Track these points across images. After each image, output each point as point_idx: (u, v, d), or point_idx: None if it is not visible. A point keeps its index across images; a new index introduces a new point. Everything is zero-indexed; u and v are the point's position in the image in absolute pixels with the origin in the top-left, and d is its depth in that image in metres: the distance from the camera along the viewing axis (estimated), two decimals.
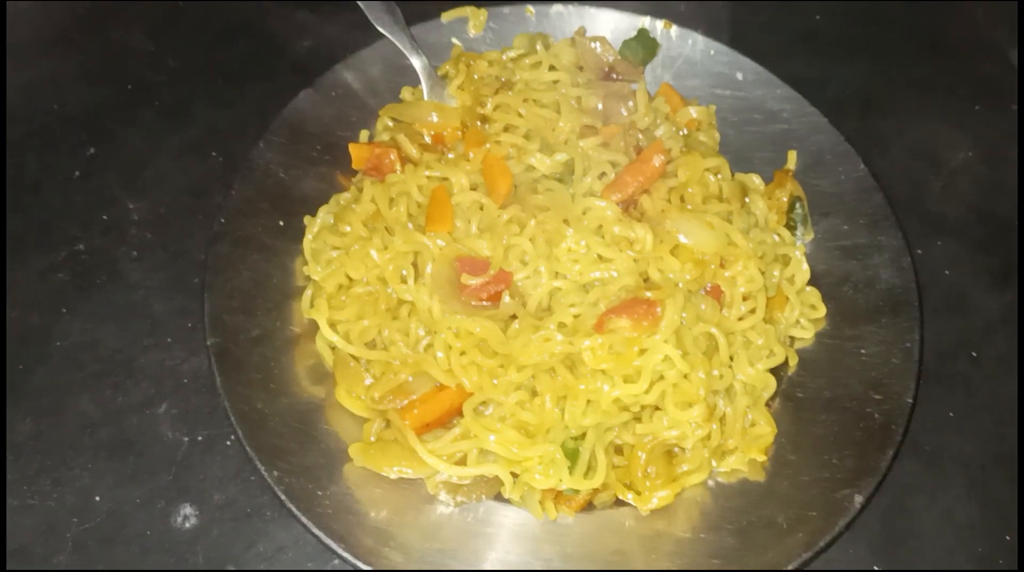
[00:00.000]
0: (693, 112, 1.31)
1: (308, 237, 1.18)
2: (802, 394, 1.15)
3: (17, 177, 1.30)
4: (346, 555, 0.97)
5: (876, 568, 1.09)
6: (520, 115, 1.21)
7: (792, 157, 1.30)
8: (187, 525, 1.06)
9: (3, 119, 1.34)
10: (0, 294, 1.19)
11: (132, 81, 1.40)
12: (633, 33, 1.36)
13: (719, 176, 1.20)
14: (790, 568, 0.99)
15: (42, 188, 1.28)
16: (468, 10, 1.37)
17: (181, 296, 1.20)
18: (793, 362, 1.17)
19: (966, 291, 1.31)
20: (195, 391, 1.14)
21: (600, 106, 1.24)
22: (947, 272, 1.33)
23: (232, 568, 1.04)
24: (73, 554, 1.04)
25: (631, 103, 1.25)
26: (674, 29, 1.38)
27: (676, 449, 1.09)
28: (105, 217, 1.26)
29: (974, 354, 1.25)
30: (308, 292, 1.15)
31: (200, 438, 1.12)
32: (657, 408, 1.07)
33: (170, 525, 1.06)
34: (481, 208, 1.14)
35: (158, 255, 1.24)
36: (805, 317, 1.19)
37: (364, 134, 1.29)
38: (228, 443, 1.11)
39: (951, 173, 1.43)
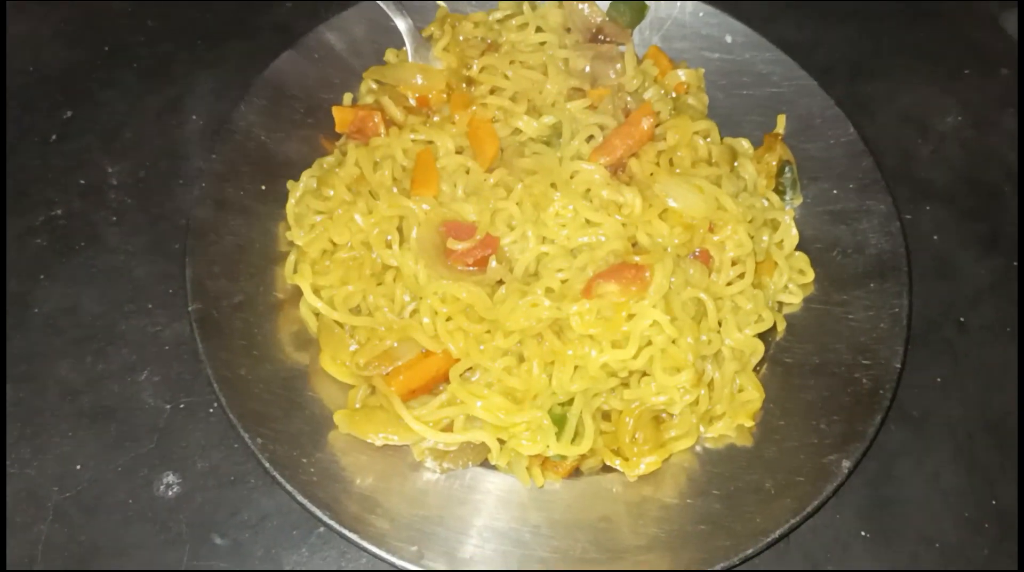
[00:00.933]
0: (682, 75, 1.29)
1: (291, 201, 1.16)
2: (790, 359, 1.15)
3: None
4: (331, 523, 0.96)
5: (864, 533, 1.10)
6: (507, 77, 1.20)
7: (781, 121, 1.30)
8: (170, 493, 1.06)
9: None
10: None
11: (109, 42, 1.38)
12: None
13: (708, 140, 1.19)
14: (778, 533, 0.99)
15: (18, 151, 1.26)
16: None
17: (162, 261, 1.19)
18: (781, 327, 1.17)
19: (954, 257, 1.32)
20: (177, 357, 1.13)
21: (588, 68, 1.23)
22: (935, 238, 1.33)
23: (216, 536, 1.04)
24: (55, 523, 1.03)
25: (619, 66, 1.23)
26: None
27: (664, 415, 1.09)
28: (83, 181, 1.24)
29: (961, 320, 1.26)
30: (291, 257, 1.14)
31: (182, 405, 1.11)
32: (645, 374, 1.07)
33: (153, 493, 1.06)
34: (467, 172, 1.13)
35: (138, 219, 1.22)
36: (794, 282, 1.19)
37: (348, 97, 1.28)
38: (211, 410, 1.10)
39: (940, 138, 1.43)
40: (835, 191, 1.25)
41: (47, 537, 1.02)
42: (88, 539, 1.02)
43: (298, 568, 1.03)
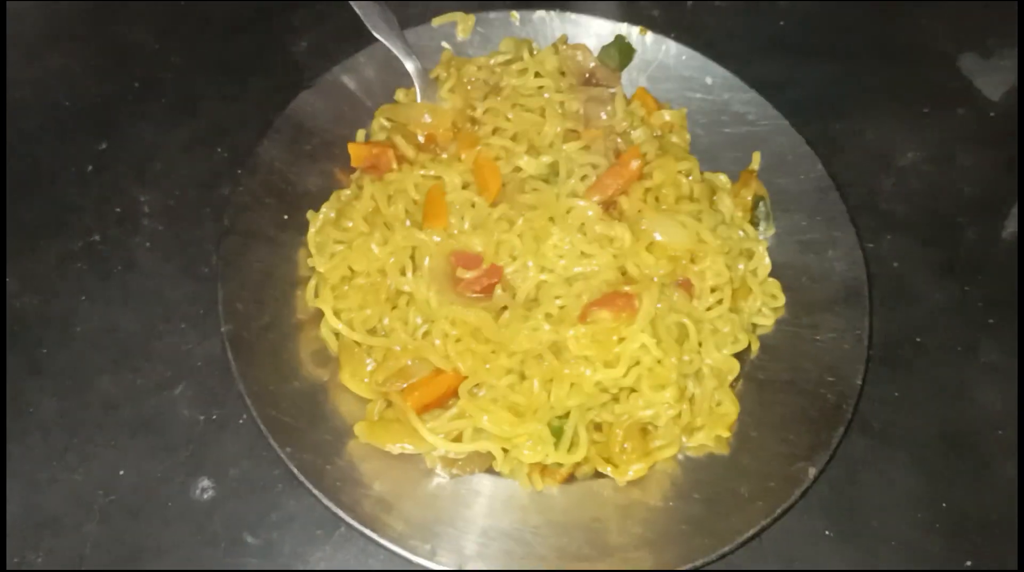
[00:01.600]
0: (666, 115, 1.40)
1: (312, 231, 1.26)
2: (763, 376, 1.25)
3: (32, 168, 1.36)
4: (353, 522, 1.05)
5: (828, 532, 1.20)
6: (508, 119, 1.30)
7: (756, 158, 1.39)
8: (205, 497, 1.15)
9: (3, 113, 1.40)
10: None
11: (139, 77, 1.47)
12: (611, 39, 1.46)
13: (690, 177, 1.30)
14: (751, 533, 1.09)
15: (57, 181, 1.35)
16: (457, 15, 1.45)
17: (192, 284, 1.27)
18: (755, 347, 1.27)
19: (912, 282, 1.41)
20: (208, 374, 1.22)
21: (582, 110, 1.33)
22: (895, 265, 1.42)
23: (248, 535, 1.13)
24: (101, 523, 1.12)
25: (610, 107, 1.34)
26: (649, 35, 1.47)
27: (650, 427, 1.19)
28: (118, 209, 1.33)
29: (919, 340, 1.36)
30: (312, 282, 1.23)
31: (215, 417, 1.20)
32: (633, 390, 1.17)
33: (189, 497, 1.14)
34: (473, 206, 1.23)
35: (170, 245, 1.31)
36: (766, 306, 1.29)
37: (361, 133, 1.37)
38: (240, 421, 1.19)
39: (901, 173, 1.53)
40: (804, 223, 1.34)
41: (95, 537, 1.11)
42: (132, 539, 1.11)
43: (320, 567, 1.12)
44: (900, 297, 1.40)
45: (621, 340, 1.14)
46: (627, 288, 1.15)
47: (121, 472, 1.16)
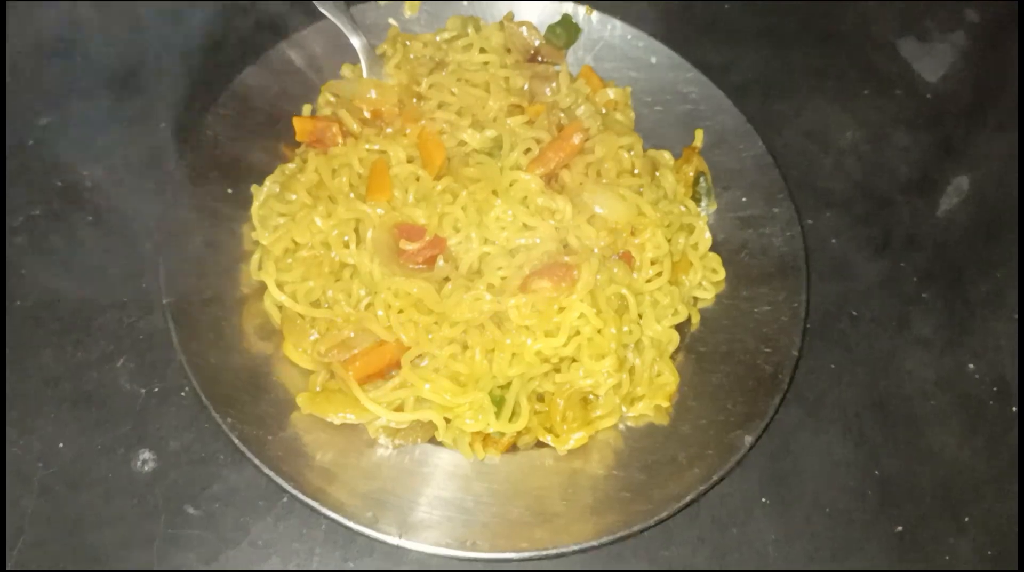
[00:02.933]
0: (611, 93, 1.42)
1: (256, 204, 1.26)
2: (703, 348, 1.28)
3: None
4: (295, 492, 1.06)
5: (764, 500, 1.23)
6: (453, 94, 1.31)
7: (699, 135, 1.42)
8: (146, 469, 1.15)
9: None
10: None
11: (82, 52, 1.45)
12: (557, 18, 1.47)
13: (632, 153, 1.31)
14: (688, 499, 1.12)
15: None
16: None
17: (135, 259, 1.26)
18: (695, 320, 1.30)
19: (849, 258, 1.44)
20: (150, 347, 1.22)
21: (526, 86, 1.35)
22: (833, 241, 1.46)
23: (190, 507, 1.13)
24: (40, 496, 1.11)
25: (555, 84, 1.36)
26: (595, 15, 1.48)
27: (591, 397, 1.21)
28: (60, 183, 1.32)
29: (854, 313, 1.39)
30: (256, 256, 1.24)
31: (156, 390, 1.20)
32: (574, 360, 1.19)
33: (131, 469, 1.14)
34: (417, 179, 1.24)
35: (112, 219, 1.30)
36: (707, 280, 1.32)
37: (307, 108, 1.37)
38: (183, 394, 1.19)
39: (839, 152, 1.56)
40: (744, 199, 1.37)
41: (33, 509, 1.10)
42: (71, 511, 1.11)
43: (262, 538, 1.13)
44: (837, 272, 1.44)
45: (561, 310, 1.16)
46: (567, 259, 1.16)
47: (61, 444, 1.15)
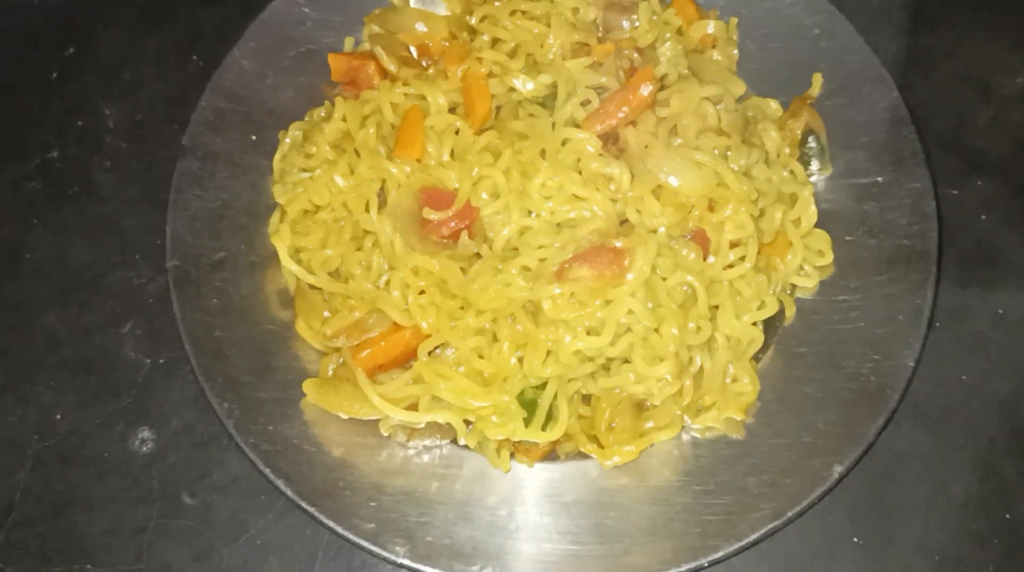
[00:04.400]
0: (710, 27, 1.19)
1: (277, 155, 1.13)
2: (797, 348, 1.08)
3: None
4: (291, 495, 0.95)
5: (856, 539, 1.03)
6: (507, 29, 1.11)
7: (817, 81, 1.18)
8: (144, 449, 1.07)
9: None
10: None
11: None
12: None
13: (720, 106, 1.08)
14: (752, 538, 0.94)
15: (19, 90, 1.26)
16: None
17: (152, 211, 1.17)
18: (790, 313, 1.09)
19: (1001, 240, 1.20)
20: (159, 312, 1.13)
21: (599, 19, 1.13)
22: (983, 217, 1.21)
23: (186, 495, 1.04)
24: (32, 471, 1.05)
25: (635, 16, 1.13)
26: None
27: (647, 403, 1.03)
28: (80, 123, 1.24)
29: (1000, 312, 1.15)
30: (275, 215, 1.12)
31: (162, 361, 1.12)
32: (627, 360, 1.01)
33: (128, 448, 1.07)
34: (456, 132, 1.07)
35: (131, 166, 1.22)
36: (809, 263, 1.11)
37: (349, 41, 1.23)
38: (189, 367, 1.07)
39: (1003, 102, 1.29)
40: (867, 163, 1.14)
41: (24, 484, 1.05)
42: (63, 489, 1.05)
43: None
44: (984, 258, 1.20)
45: (607, 303, 0.96)
46: (618, 243, 0.96)
47: (58, 416, 1.09)
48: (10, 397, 1.08)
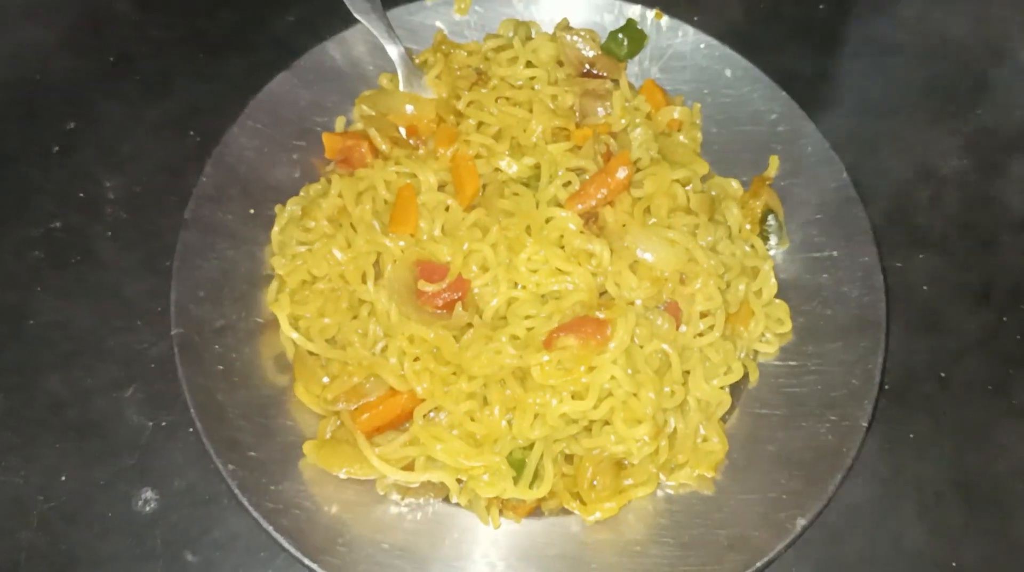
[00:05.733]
0: (676, 112, 1.28)
1: (276, 229, 1.18)
2: (761, 409, 1.15)
3: None
4: (293, 551, 0.99)
5: None
6: (492, 114, 1.19)
7: (774, 163, 1.27)
8: (147, 509, 1.09)
9: None
10: None
11: (114, 51, 1.39)
12: (621, 22, 1.33)
13: (689, 187, 1.17)
14: None
15: (21, 160, 1.29)
16: None
17: (152, 278, 1.20)
18: (754, 377, 1.17)
19: (942, 309, 1.28)
20: (161, 376, 1.16)
21: (576, 105, 1.22)
22: (925, 288, 1.30)
23: (188, 553, 1.07)
24: (38, 530, 1.07)
25: (608, 103, 1.22)
26: (665, 19, 1.34)
27: (626, 461, 1.09)
28: (82, 194, 1.27)
29: (943, 375, 1.23)
30: (273, 284, 1.16)
31: (164, 423, 1.14)
32: (607, 422, 1.07)
33: (131, 508, 1.09)
34: (447, 209, 1.14)
35: (131, 235, 1.24)
36: (771, 331, 1.18)
37: (340, 120, 1.28)
38: (191, 429, 1.10)
39: (940, 182, 1.38)
40: (821, 238, 1.23)
41: (30, 544, 1.06)
42: (68, 548, 1.07)
43: None
44: (927, 325, 1.27)
45: (591, 370, 1.03)
46: (600, 313, 1.04)
47: (63, 477, 1.11)
48: (15, 458, 1.11)
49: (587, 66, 1.26)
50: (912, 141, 1.41)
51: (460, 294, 1.08)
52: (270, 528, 1.00)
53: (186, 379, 1.06)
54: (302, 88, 1.27)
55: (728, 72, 1.32)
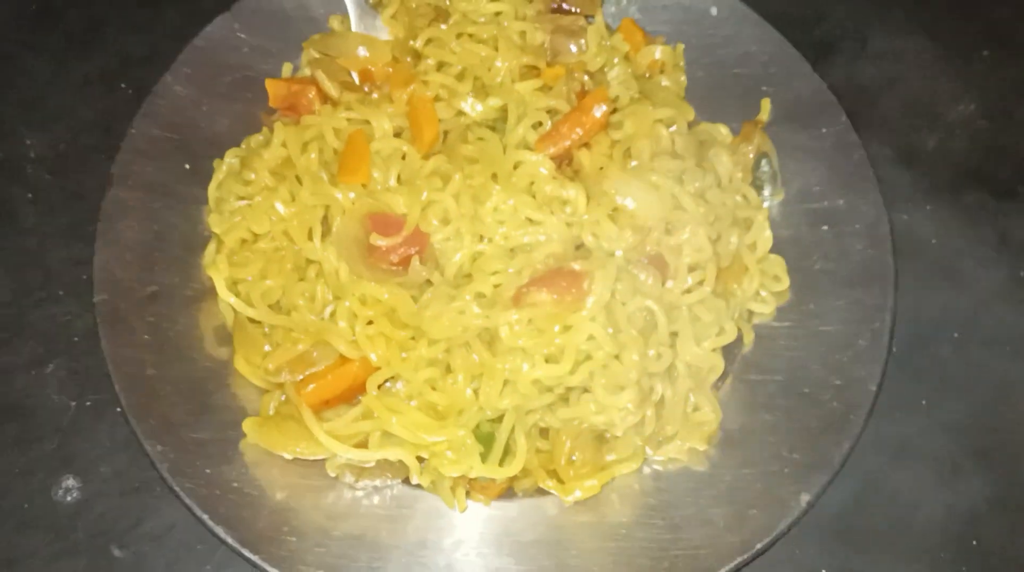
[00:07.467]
0: (657, 52, 1.18)
1: (212, 184, 1.08)
2: (755, 376, 1.07)
3: None
4: (231, 541, 0.90)
5: (824, 571, 1.01)
6: (453, 52, 1.09)
7: (765, 106, 1.19)
8: (69, 498, 1.01)
9: None
10: None
11: (37, 1, 1.29)
12: None
13: (673, 128, 1.07)
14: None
15: None
16: None
17: (78, 244, 1.11)
18: (748, 339, 1.08)
19: (955, 263, 1.20)
20: (86, 351, 1.06)
21: (547, 43, 1.11)
22: (934, 241, 1.22)
23: (115, 548, 0.98)
24: None
25: (583, 40, 1.11)
26: None
27: (607, 435, 0.99)
28: (0, 154, 1.17)
29: (956, 335, 1.15)
30: (210, 246, 1.07)
31: (89, 403, 1.05)
32: (585, 390, 0.97)
33: (50, 498, 1.01)
34: (403, 157, 1.04)
35: (55, 197, 1.16)
36: (766, 289, 1.10)
37: (287, 67, 1.18)
38: (119, 409, 1.01)
39: (947, 128, 1.30)
40: (819, 187, 1.14)
41: None
42: None
43: None
44: (937, 281, 1.19)
45: (566, 329, 0.93)
46: (576, 266, 0.93)
47: None
48: None
49: (559, 0, 1.15)
50: (916, 85, 1.32)
51: (418, 248, 0.98)
52: (205, 517, 0.92)
53: (109, 351, 0.98)
54: (243, 32, 1.18)
55: (714, 10, 1.24)
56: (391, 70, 1.11)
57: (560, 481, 0.97)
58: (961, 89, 1.32)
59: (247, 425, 0.96)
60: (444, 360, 0.96)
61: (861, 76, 1.31)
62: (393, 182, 1.02)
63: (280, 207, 1.02)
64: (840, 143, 1.15)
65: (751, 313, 1.09)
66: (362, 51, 1.12)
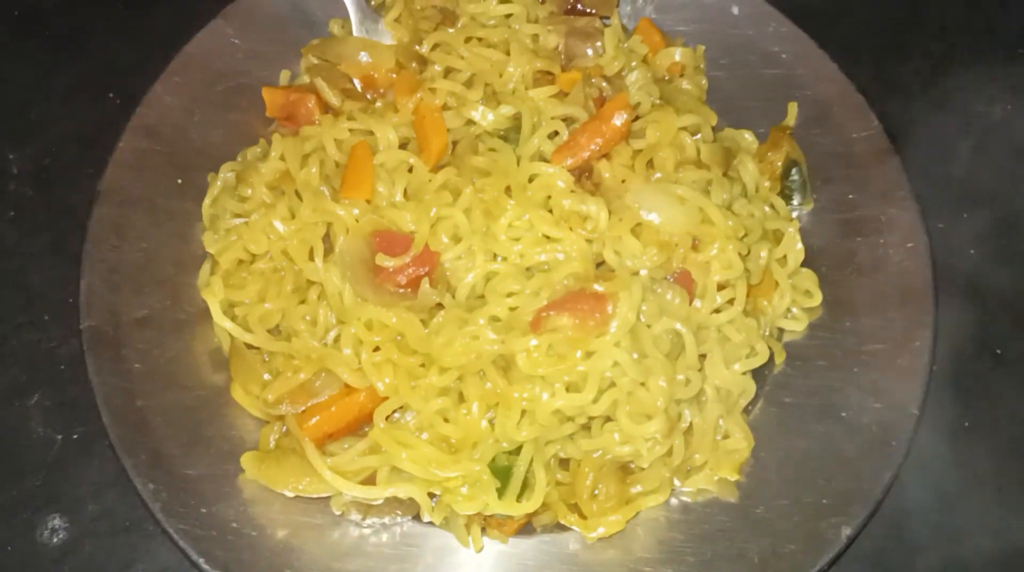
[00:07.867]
0: (677, 54, 1.14)
1: (207, 200, 1.03)
2: (789, 399, 1.02)
3: None
4: None
5: None
6: (462, 57, 1.04)
7: (792, 110, 1.15)
8: (55, 540, 0.97)
9: None
10: None
11: (20, 5, 1.25)
12: None
13: (697, 136, 1.02)
14: None
15: None
16: None
17: (62, 265, 1.07)
18: (780, 359, 1.03)
19: (992, 276, 1.17)
20: (72, 380, 1.03)
21: (561, 46, 1.07)
22: (971, 252, 1.18)
23: None
24: None
25: (599, 43, 1.06)
26: None
27: (633, 465, 0.94)
28: None
29: (998, 352, 1.11)
30: (205, 266, 1.02)
31: (75, 436, 1.02)
32: (609, 418, 0.92)
33: (35, 539, 0.97)
34: (410, 170, 0.99)
35: (38, 215, 1.12)
36: (797, 305, 1.06)
37: (285, 75, 1.14)
38: (108, 442, 0.96)
39: (984, 132, 1.26)
40: (852, 196, 1.10)
41: None
42: None
43: None
44: (975, 295, 1.16)
45: (588, 355, 0.88)
46: (598, 286, 0.88)
47: None
48: None
49: (572, 1, 1.10)
50: (948, 85, 1.28)
51: (427, 269, 0.93)
52: (200, 560, 0.87)
53: (97, 381, 0.94)
54: (238, 37, 1.14)
55: (735, 9, 1.21)
56: (395, 77, 1.07)
57: (582, 516, 0.93)
58: (996, 90, 1.28)
59: (245, 460, 0.92)
60: (457, 389, 0.92)
61: (889, 75, 1.27)
62: (399, 197, 0.97)
63: (279, 225, 0.97)
64: (873, 148, 1.10)
65: (781, 331, 1.04)
66: (364, 57, 1.08)
